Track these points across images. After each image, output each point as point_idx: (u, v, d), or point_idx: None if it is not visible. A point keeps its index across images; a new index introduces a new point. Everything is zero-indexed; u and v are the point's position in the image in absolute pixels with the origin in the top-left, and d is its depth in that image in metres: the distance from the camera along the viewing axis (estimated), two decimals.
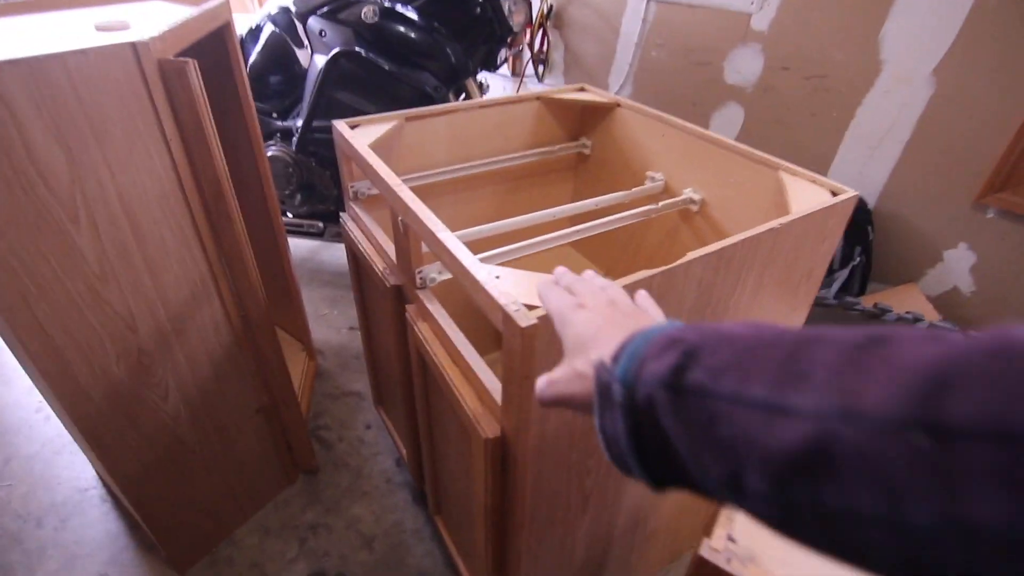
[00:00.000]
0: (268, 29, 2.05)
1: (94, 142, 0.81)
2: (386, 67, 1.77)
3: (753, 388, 0.26)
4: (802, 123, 2.02)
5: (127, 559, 1.31)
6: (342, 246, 2.32)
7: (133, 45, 0.81)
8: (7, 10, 1.08)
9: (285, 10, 2.05)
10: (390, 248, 1.00)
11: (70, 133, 0.79)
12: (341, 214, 1.20)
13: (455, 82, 1.90)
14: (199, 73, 0.89)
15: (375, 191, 1.11)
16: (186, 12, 1.02)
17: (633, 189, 1.19)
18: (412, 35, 1.78)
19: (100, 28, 0.97)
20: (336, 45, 1.77)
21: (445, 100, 1.87)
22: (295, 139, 1.90)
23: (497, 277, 0.62)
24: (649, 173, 1.24)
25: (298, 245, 2.42)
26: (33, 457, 1.54)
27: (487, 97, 2.07)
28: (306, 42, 1.92)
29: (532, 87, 3.07)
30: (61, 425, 1.58)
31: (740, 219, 1.07)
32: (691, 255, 0.69)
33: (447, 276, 0.87)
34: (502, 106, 1.32)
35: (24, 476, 1.49)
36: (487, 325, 0.65)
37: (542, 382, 0.40)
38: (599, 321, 0.40)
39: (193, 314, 1.06)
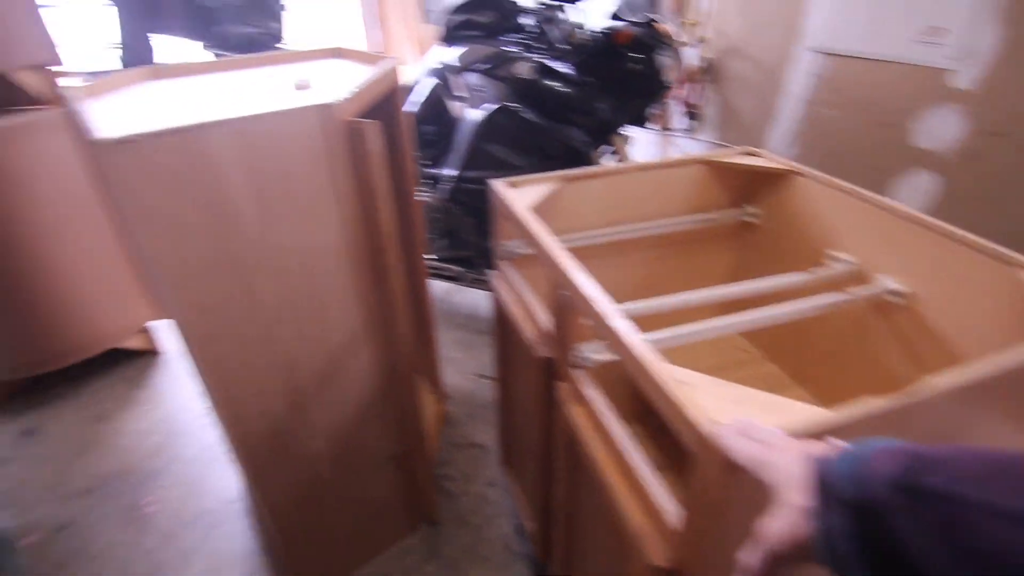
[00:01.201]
0: (429, 83, 2.19)
1: (283, 195, 0.88)
2: (538, 122, 1.79)
3: (1009, 499, 0.26)
4: (1021, 202, 1.71)
5: None
6: (477, 291, 2.37)
7: (326, 107, 0.86)
8: (198, 69, 1.24)
9: (444, 66, 2.19)
10: (540, 313, 0.97)
11: (264, 187, 0.85)
12: (489, 271, 1.20)
13: (604, 137, 1.88)
14: (379, 134, 0.94)
15: (528, 251, 1.09)
16: (366, 72, 1.10)
17: (814, 270, 1.05)
18: (566, 91, 1.80)
19: (297, 87, 1.07)
20: (492, 100, 1.84)
21: (592, 154, 1.85)
22: (445, 186, 1.98)
23: (682, 381, 0.55)
24: (832, 252, 1.09)
25: (433, 286, 2.50)
26: (192, 461, 1.70)
27: (631, 150, 2.02)
28: (462, 96, 2.02)
29: (680, 142, 2.97)
30: (219, 435, 1.73)
31: (968, 326, 0.88)
32: (942, 380, 0.55)
33: (608, 358, 0.80)
34: (663, 169, 1.25)
35: (183, 479, 1.64)
36: (629, 391, 0.57)
37: (764, 545, 0.38)
38: (802, 457, 0.39)
39: (348, 360, 1.10)
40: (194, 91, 1.08)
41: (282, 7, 2.27)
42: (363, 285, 1.05)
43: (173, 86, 1.13)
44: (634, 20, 1.77)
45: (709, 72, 2.69)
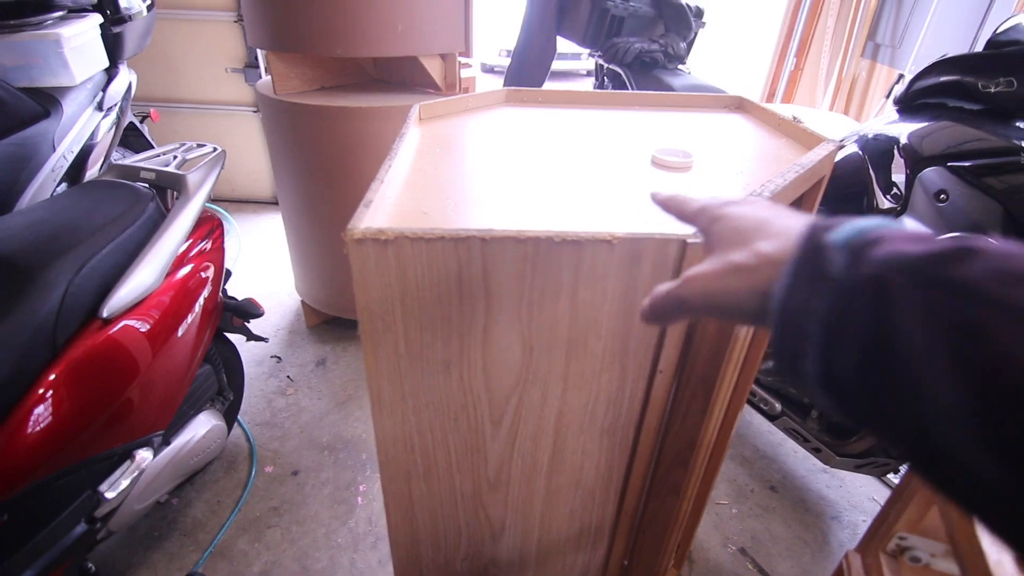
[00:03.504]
0: (849, 150, 1.59)
1: (575, 348, 0.55)
2: None
3: None
4: None
5: None
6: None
7: (687, 246, 0.49)
8: (561, 100, 0.97)
9: (884, 139, 1.55)
10: None
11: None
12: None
13: None
14: None
15: None
16: (772, 154, 0.67)
17: None
18: None
19: (660, 164, 0.72)
20: (964, 218, 1.16)
21: None
22: None
23: None
24: None
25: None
26: None
27: None
28: (898, 192, 1.38)
29: None
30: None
31: None
32: None
33: None
34: None
35: None
36: None
37: (676, 282, 0.33)
38: (765, 212, 0.33)
39: (566, 551, 0.76)
40: (544, 138, 0.84)
41: (702, 24, 1.96)
42: (631, 481, 0.68)
43: (527, 121, 0.92)
44: None
45: None
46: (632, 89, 1.90)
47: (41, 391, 0.97)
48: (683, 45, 1.99)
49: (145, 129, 2.35)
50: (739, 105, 1.04)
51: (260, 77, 2.79)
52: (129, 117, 2.17)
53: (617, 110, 1.00)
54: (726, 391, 0.69)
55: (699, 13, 2.00)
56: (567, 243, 0.49)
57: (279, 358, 2.02)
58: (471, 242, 0.49)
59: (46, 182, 1.71)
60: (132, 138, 2.28)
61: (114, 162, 1.34)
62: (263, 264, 2.61)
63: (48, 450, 0.98)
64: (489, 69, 6.41)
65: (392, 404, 0.58)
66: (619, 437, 0.63)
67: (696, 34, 2.01)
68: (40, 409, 0.97)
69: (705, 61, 2.58)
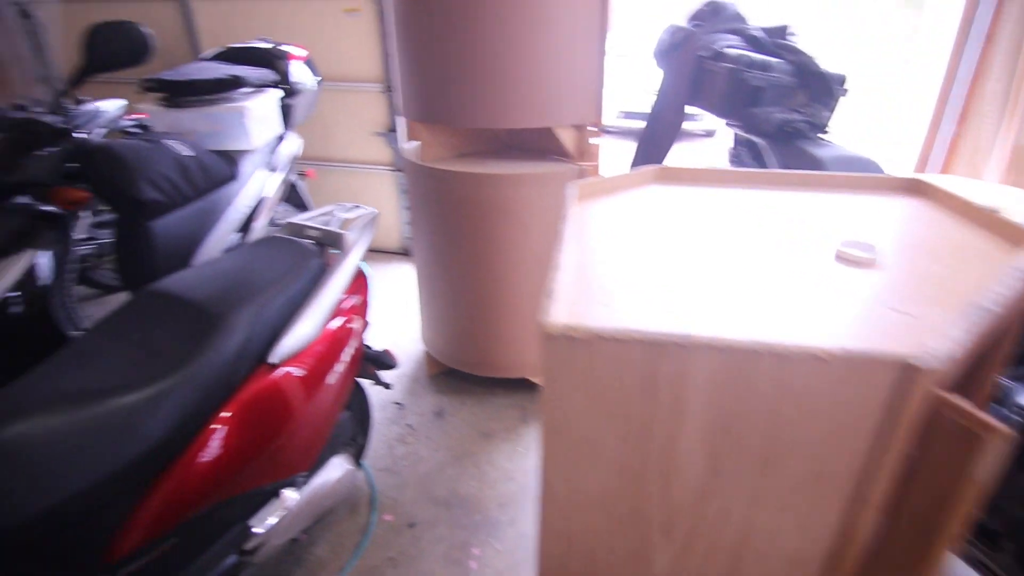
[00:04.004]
0: None
1: (767, 466, 0.52)
2: None
3: None
4: None
5: None
6: None
7: (910, 370, 0.45)
8: (714, 180, 0.95)
9: None
10: None
11: (742, 434, 0.51)
12: None
13: None
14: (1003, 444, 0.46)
15: None
16: (969, 252, 0.60)
17: None
18: None
19: (845, 259, 0.68)
20: None
21: None
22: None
23: None
24: None
25: None
26: (528, 537, 1.61)
27: None
28: None
29: None
30: None
31: None
32: None
33: None
34: None
35: (513, 548, 1.56)
36: None
37: None
38: None
39: None
40: (705, 221, 0.82)
41: (844, 91, 1.88)
42: None
43: (683, 201, 0.92)
44: None
45: None
46: (773, 160, 1.84)
47: (216, 426, 1.08)
48: (827, 114, 1.91)
49: (302, 186, 2.63)
50: (915, 188, 0.96)
51: (397, 140, 3.05)
52: (292, 176, 2.45)
53: (773, 190, 0.96)
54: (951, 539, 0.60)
55: (841, 80, 1.92)
56: (771, 355, 0.47)
57: (401, 404, 2.11)
58: (667, 347, 0.48)
59: (223, 233, 1.96)
60: (291, 193, 2.57)
61: (287, 220, 1.51)
62: (390, 311, 2.77)
63: (215, 482, 1.08)
64: (607, 130, 6.53)
65: (562, 499, 0.57)
66: (807, 570, 0.57)
67: (838, 101, 1.93)
68: (214, 443, 1.08)
69: (845, 126, 2.45)
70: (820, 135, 1.90)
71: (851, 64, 2.28)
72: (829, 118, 1.92)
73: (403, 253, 3.41)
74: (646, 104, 2.31)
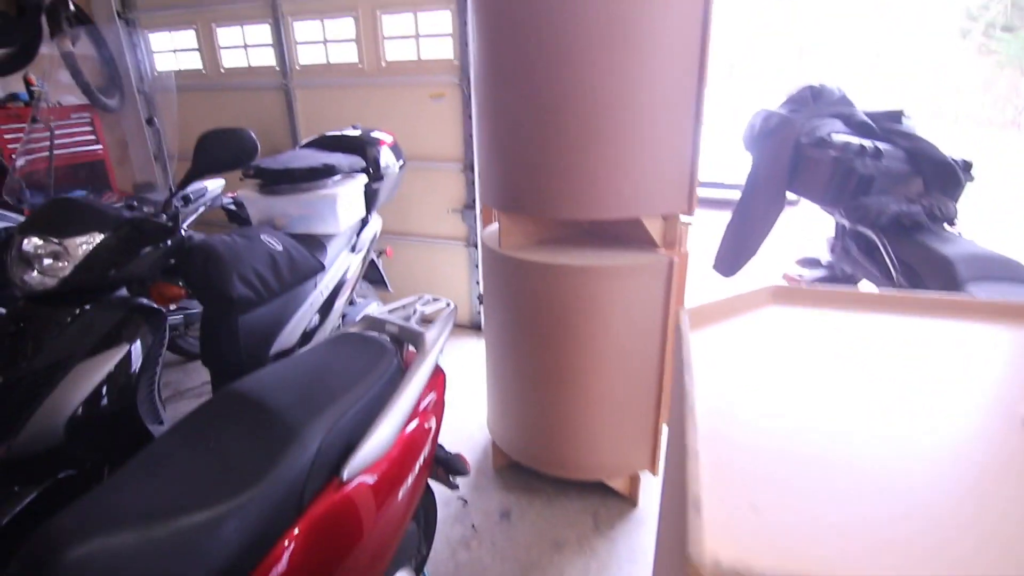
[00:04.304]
0: None
1: None
2: None
3: None
4: None
5: None
6: None
7: None
8: (832, 301, 0.80)
9: None
10: None
11: None
12: None
13: None
14: None
15: None
16: None
17: None
18: None
19: None
20: None
21: None
22: None
23: None
24: None
25: None
26: None
27: None
28: None
29: None
30: None
31: None
32: None
33: None
34: None
35: None
36: None
37: None
38: None
39: None
40: (844, 361, 0.69)
41: (970, 178, 1.68)
42: None
43: (810, 330, 0.79)
44: None
45: None
46: (888, 256, 1.66)
47: (286, 543, 1.01)
48: (952, 205, 1.72)
49: (380, 263, 2.67)
50: None
51: (475, 218, 3.07)
52: (372, 254, 2.49)
53: (912, 317, 0.82)
54: None
55: (967, 167, 1.73)
56: None
57: (465, 501, 1.98)
58: None
59: (305, 315, 1.98)
60: (369, 271, 2.61)
61: (365, 314, 1.49)
62: (457, 391, 2.69)
63: None
64: None
65: None
66: None
67: (963, 190, 1.74)
68: (282, 564, 1.00)
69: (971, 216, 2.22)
70: (946, 226, 1.71)
71: (976, 147, 2.08)
72: (955, 209, 1.72)
73: (472, 327, 3.37)
74: (727, 172, 2.19)
